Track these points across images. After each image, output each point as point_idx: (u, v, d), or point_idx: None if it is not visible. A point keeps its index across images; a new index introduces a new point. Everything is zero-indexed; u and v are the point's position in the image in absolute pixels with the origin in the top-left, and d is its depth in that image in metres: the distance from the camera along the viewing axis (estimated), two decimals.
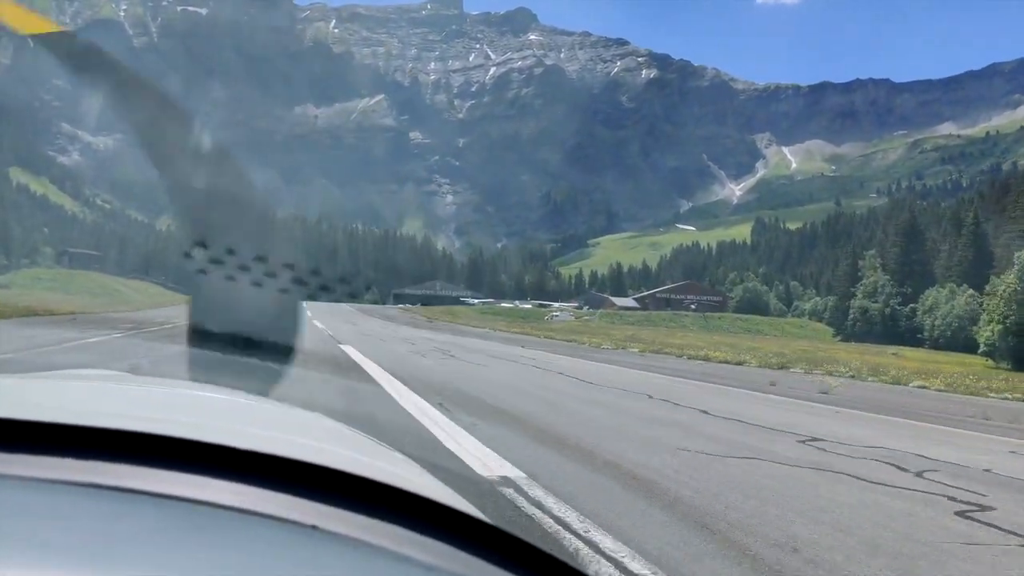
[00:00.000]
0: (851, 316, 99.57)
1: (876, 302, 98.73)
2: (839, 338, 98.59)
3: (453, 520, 0.84)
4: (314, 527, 0.73)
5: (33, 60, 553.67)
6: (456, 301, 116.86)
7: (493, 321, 69.83)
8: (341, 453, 1.09)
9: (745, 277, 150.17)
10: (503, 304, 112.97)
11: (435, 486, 1.12)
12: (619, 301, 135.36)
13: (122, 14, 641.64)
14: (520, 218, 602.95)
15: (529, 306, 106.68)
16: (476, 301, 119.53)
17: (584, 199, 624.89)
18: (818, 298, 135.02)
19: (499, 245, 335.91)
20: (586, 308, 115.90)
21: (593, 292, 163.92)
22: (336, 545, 0.72)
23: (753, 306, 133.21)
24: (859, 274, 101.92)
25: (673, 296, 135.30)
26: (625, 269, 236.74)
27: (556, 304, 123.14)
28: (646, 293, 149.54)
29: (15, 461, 0.74)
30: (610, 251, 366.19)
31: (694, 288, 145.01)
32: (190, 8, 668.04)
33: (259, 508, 0.74)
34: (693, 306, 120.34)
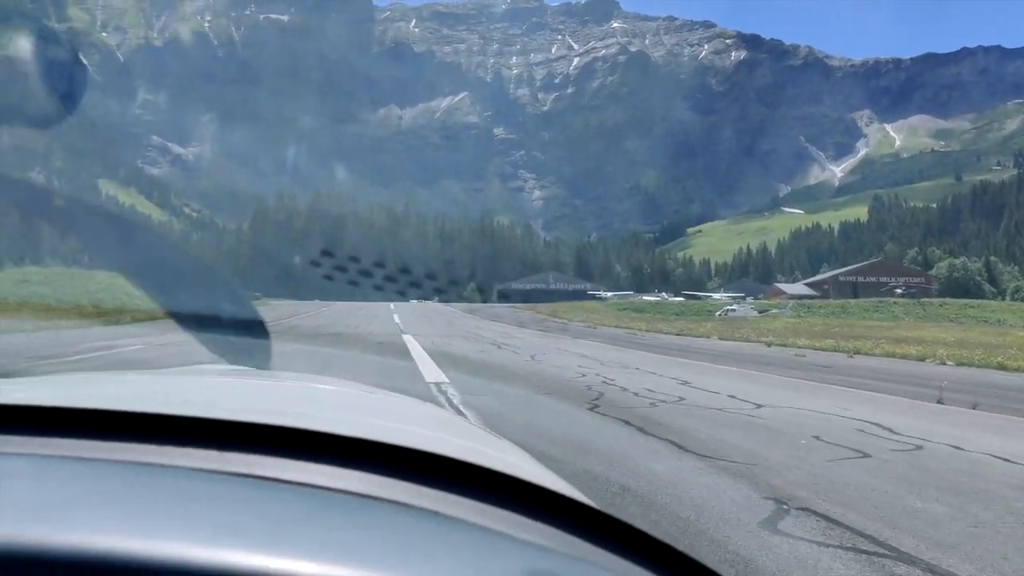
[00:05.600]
0: None
1: None
2: None
3: (565, 507, 0.87)
4: (436, 513, 0.77)
5: (125, 76, 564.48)
6: (580, 295, 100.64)
7: (651, 320, 54.16)
8: (459, 443, 1.14)
9: (929, 255, 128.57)
10: (645, 297, 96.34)
11: (546, 474, 1.16)
12: (789, 288, 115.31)
13: (207, 25, 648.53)
14: (609, 210, 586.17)
15: (679, 299, 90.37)
16: (610, 295, 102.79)
17: (676, 187, 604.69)
18: None
19: (589, 238, 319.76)
20: (748, 298, 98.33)
21: (747, 280, 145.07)
22: (458, 530, 0.74)
23: (963, 288, 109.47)
24: None
25: (861, 279, 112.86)
26: (728, 257, 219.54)
27: (719, 295, 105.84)
28: (825, 276, 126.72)
29: (177, 454, 0.82)
30: (713, 238, 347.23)
31: (888, 268, 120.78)
32: (272, 16, 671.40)
33: (386, 495, 0.79)
34: (900, 290, 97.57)
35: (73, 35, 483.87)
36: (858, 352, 25.36)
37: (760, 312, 69.87)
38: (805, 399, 11.91)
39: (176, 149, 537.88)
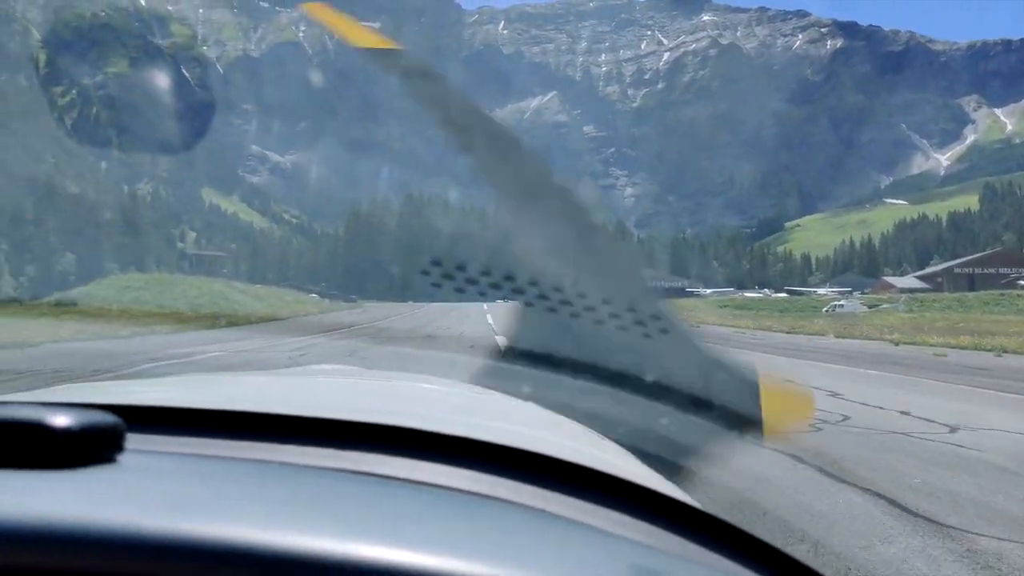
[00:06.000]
0: None
1: None
2: None
3: (669, 507, 0.90)
4: (543, 511, 0.80)
5: (224, 87, 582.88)
6: (677, 293, 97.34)
7: (757, 317, 51.60)
8: (564, 443, 1.16)
9: None
10: (746, 294, 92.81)
11: (647, 474, 1.20)
12: (898, 281, 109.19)
13: (301, 35, 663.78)
14: (703, 206, 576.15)
15: (782, 295, 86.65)
16: (709, 291, 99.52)
17: (771, 181, 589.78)
18: None
19: (683, 235, 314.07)
20: (855, 293, 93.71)
21: (851, 274, 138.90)
22: (564, 528, 0.77)
23: None
24: None
25: (978, 270, 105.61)
26: (829, 251, 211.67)
27: (823, 290, 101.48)
28: (938, 268, 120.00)
29: (303, 453, 0.87)
30: (812, 232, 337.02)
31: (1008, 258, 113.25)
32: (364, 23, 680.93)
33: (494, 493, 0.83)
34: (1023, 281, 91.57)
35: (176, 50, 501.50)
36: (1004, 350, 22.49)
37: (870, 307, 65.54)
38: (1004, 417, 9.50)
39: (274, 157, 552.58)
